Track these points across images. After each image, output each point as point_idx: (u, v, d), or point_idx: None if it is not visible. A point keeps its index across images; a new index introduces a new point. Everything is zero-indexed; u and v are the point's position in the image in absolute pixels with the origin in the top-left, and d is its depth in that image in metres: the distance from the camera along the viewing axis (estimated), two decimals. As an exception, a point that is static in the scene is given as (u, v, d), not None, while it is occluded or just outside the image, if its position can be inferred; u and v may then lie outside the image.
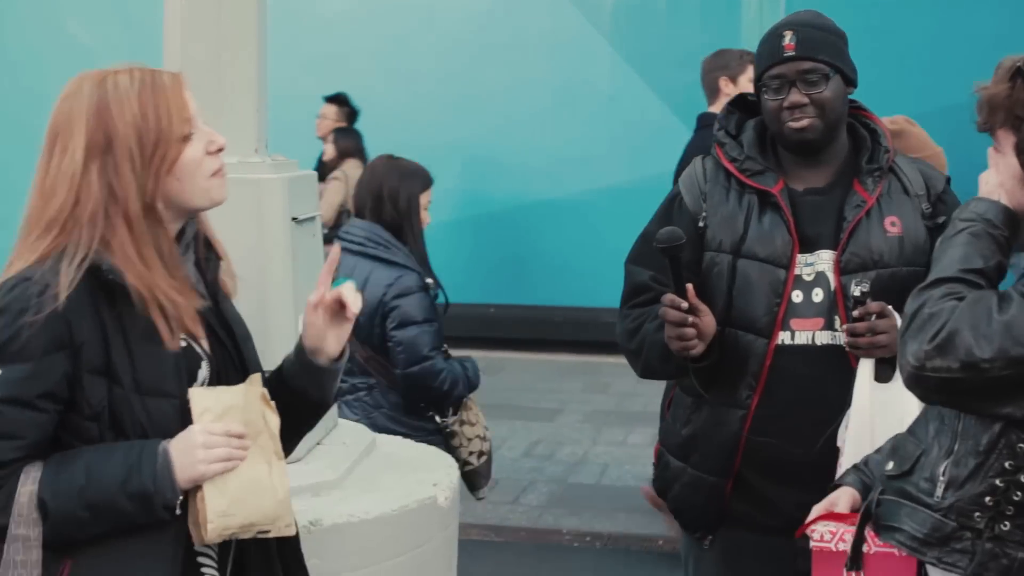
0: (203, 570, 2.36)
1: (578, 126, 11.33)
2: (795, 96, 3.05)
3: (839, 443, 2.98)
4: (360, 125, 10.71)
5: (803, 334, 3.06)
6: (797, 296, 3.06)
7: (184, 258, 2.40)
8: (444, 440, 4.57)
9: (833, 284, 3.05)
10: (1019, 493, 2.30)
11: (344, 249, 4.39)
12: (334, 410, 3.61)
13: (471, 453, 4.69)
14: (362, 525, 3.06)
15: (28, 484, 2.17)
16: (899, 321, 2.94)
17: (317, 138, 9.40)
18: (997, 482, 2.31)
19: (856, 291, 2.96)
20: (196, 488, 2.23)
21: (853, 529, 2.52)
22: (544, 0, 11.63)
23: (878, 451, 2.71)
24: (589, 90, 11.43)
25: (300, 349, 2.47)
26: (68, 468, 2.19)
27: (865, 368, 2.98)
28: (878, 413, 2.94)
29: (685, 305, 2.92)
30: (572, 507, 7.00)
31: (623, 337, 3.25)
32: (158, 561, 2.24)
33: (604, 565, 6.29)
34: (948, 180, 3.20)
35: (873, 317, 2.95)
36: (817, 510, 2.61)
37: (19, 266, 2.23)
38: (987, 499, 2.32)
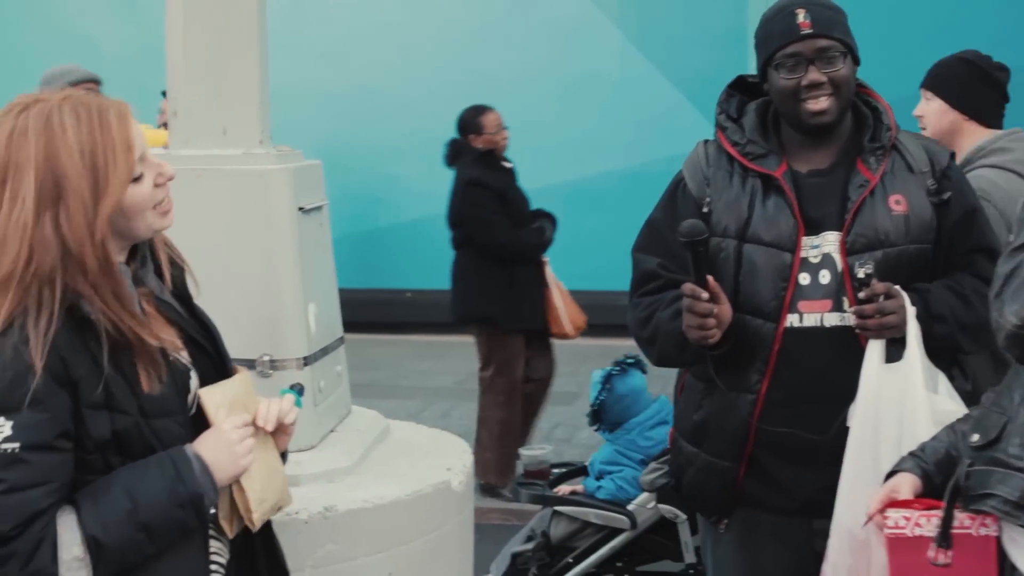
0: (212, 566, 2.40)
1: (586, 111, 11.34)
2: (813, 75, 3.03)
3: (848, 422, 2.97)
4: (365, 114, 10.72)
5: (811, 316, 3.04)
6: (804, 279, 3.05)
7: (143, 270, 2.38)
8: None
9: (840, 265, 3.03)
10: None
11: None
12: (348, 397, 3.63)
13: None
14: (377, 510, 3.08)
15: (66, 529, 2.14)
16: (907, 301, 2.94)
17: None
18: None
19: (860, 273, 2.96)
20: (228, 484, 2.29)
21: (928, 514, 2.48)
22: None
23: (934, 439, 2.69)
24: (597, 75, 11.43)
25: None
26: (105, 498, 2.17)
27: (874, 349, 2.97)
28: (883, 394, 2.94)
29: (706, 296, 2.92)
30: (590, 489, 7.00)
31: (635, 326, 3.25)
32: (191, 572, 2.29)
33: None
34: (952, 156, 3.19)
35: (881, 298, 2.95)
36: (879, 497, 2.59)
37: None
38: None
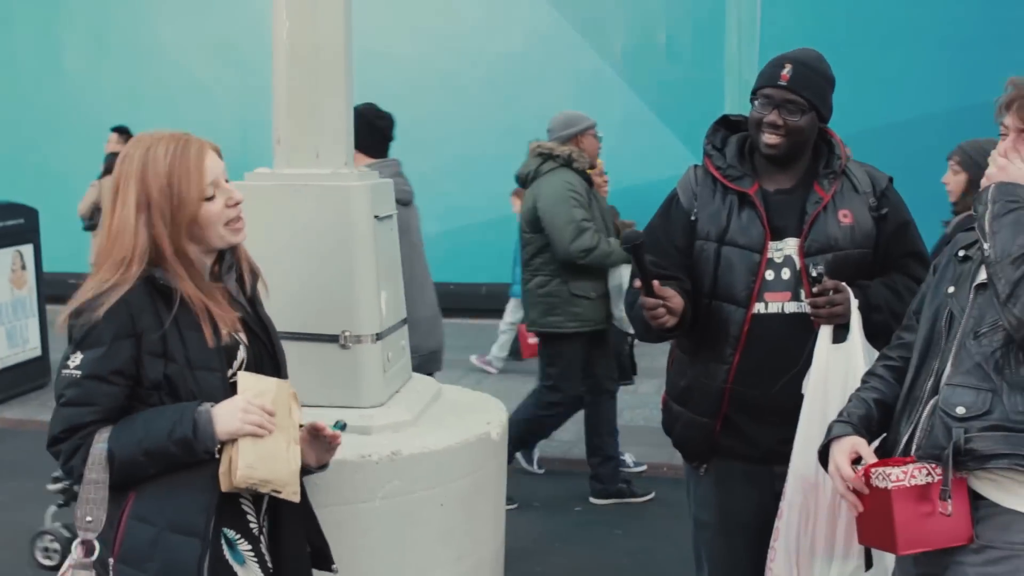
0: (242, 505, 2.47)
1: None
2: (773, 116, 3.04)
3: (803, 390, 2.98)
4: (419, 144, 10.70)
5: (774, 304, 3.06)
6: (770, 275, 3.06)
7: (227, 276, 2.52)
8: None
9: (798, 265, 3.04)
10: None
11: None
12: (409, 366, 3.64)
13: None
14: (433, 455, 3.09)
15: (100, 442, 2.29)
16: (851, 294, 2.95)
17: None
18: None
19: (814, 272, 2.97)
20: (232, 443, 2.35)
21: (917, 466, 2.42)
22: (567, 42, 11.64)
23: (849, 406, 2.66)
24: (604, 116, 11.40)
25: None
26: (130, 426, 2.31)
27: (824, 332, 2.98)
28: (831, 368, 2.95)
29: (638, 284, 2.92)
30: (594, 443, 6.99)
31: (626, 309, 3.29)
32: (202, 491, 2.34)
33: (620, 487, 6.32)
34: (891, 180, 3.18)
35: (831, 292, 2.96)
36: (846, 459, 2.53)
37: (94, 286, 2.35)
38: None
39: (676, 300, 2.96)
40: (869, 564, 2.74)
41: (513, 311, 8.92)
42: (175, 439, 2.29)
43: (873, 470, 2.48)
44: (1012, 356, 2.35)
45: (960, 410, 2.39)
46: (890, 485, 2.43)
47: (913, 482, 2.41)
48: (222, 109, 11.53)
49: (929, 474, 2.41)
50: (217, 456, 2.35)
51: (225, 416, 2.33)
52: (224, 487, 2.36)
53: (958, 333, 2.46)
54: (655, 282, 2.91)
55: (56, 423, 2.32)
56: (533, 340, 6.63)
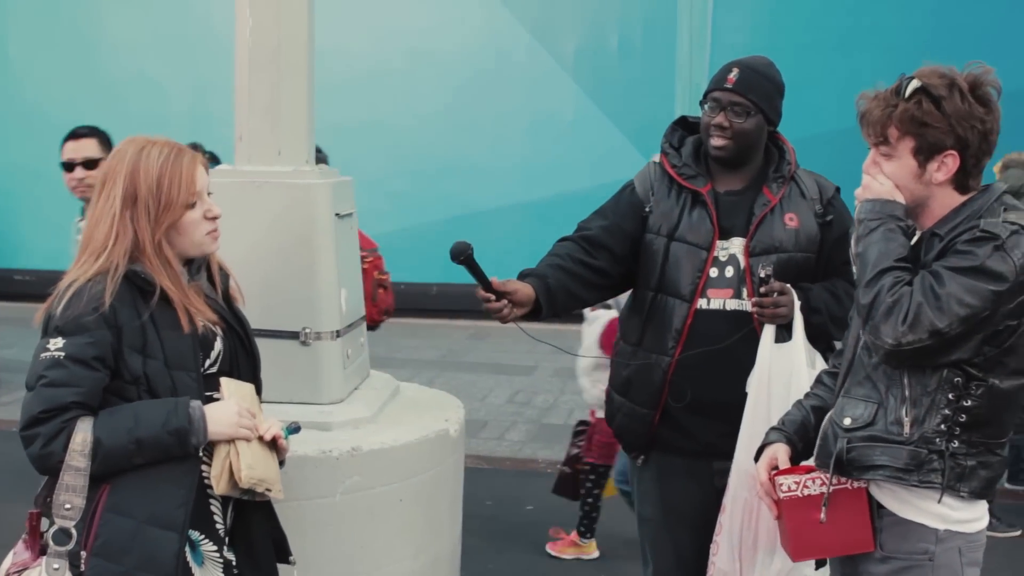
0: (211, 507, 2.50)
1: (547, 145, 11.41)
2: (720, 118, 3.10)
3: (747, 388, 3.04)
4: (377, 143, 10.72)
5: (716, 300, 3.11)
6: (714, 272, 3.11)
7: (197, 276, 2.56)
8: None
9: (743, 264, 3.10)
10: (963, 416, 2.33)
11: None
12: (367, 363, 3.67)
13: None
14: (392, 450, 3.12)
15: (82, 430, 2.29)
16: (795, 297, 3.01)
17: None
18: (946, 411, 2.33)
19: (762, 272, 3.02)
20: (226, 447, 2.40)
21: (812, 476, 2.47)
22: (521, 43, 11.70)
23: (788, 414, 2.71)
24: (555, 116, 11.51)
25: None
26: (119, 414, 2.33)
27: (768, 332, 3.04)
28: (774, 367, 3.01)
29: (493, 297, 2.96)
30: (546, 442, 7.06)
31: None
32: (179, 486, 2.37)
33: (571, 486, 6.36)
34: (838, 189, 3.25)
35: (776, 293, 3.04)
36: (764, 467, 2.58)
37: (74, 277, 2.39)
38: (942, 426, 2.34)
39: (521, 292, 3.02)
40: (821, 564, 2.79)
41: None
42: (170, 429, 2.32)
43: (776, 479, 2.53)
44: (896, 370, 2.39)
45: (847, 421, 2.45)
46: (781, 495, 2.50)
47: (805, 492, 2.48)
48: (171, 104, 11.45)
49: (824, 484, 2.47)
50: (202, 454, 2.40)
51: (220, 418, 2.39)
52: (222, 490, 2.41)
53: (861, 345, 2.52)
54: (493, 279, 2.95)
55: (35, 403, 2.30)
56: None
